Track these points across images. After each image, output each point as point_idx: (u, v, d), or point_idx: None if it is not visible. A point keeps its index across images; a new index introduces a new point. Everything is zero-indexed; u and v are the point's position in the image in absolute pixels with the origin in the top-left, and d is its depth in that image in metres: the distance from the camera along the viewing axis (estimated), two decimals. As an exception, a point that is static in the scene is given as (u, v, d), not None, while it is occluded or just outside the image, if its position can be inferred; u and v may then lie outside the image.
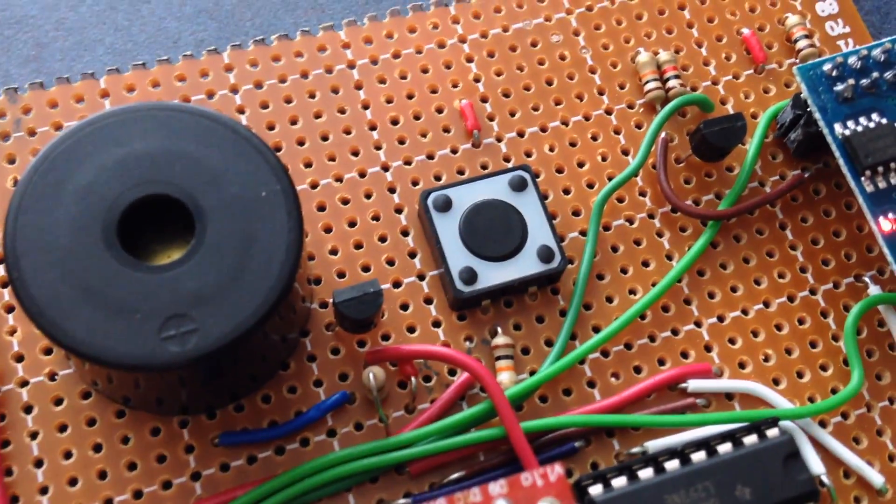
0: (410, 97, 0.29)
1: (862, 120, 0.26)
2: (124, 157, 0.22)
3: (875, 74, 0.27)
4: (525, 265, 0.27)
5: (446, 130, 0.29)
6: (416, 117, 0.29)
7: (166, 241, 0.23)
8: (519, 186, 0.27)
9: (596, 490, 0.23)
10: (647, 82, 0.30)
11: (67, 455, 0.24)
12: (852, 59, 0.27)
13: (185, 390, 0.24)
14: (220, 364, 0.22)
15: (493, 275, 0.26)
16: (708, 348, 0.27)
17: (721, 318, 0.27)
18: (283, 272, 0.22)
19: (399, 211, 0.28)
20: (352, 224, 0.28)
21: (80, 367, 0.24)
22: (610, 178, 0.29)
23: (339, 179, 0.28)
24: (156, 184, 0.22)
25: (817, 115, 0.27)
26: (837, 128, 0.26)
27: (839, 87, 0.27)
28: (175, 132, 0.23)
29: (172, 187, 0.22)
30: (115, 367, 0.21)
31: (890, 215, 0.26)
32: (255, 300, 0.22)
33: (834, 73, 0.27)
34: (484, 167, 0.29)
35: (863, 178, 0.26)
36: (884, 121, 0.26)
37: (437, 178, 0.28)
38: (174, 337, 0.21)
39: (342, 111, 0.29)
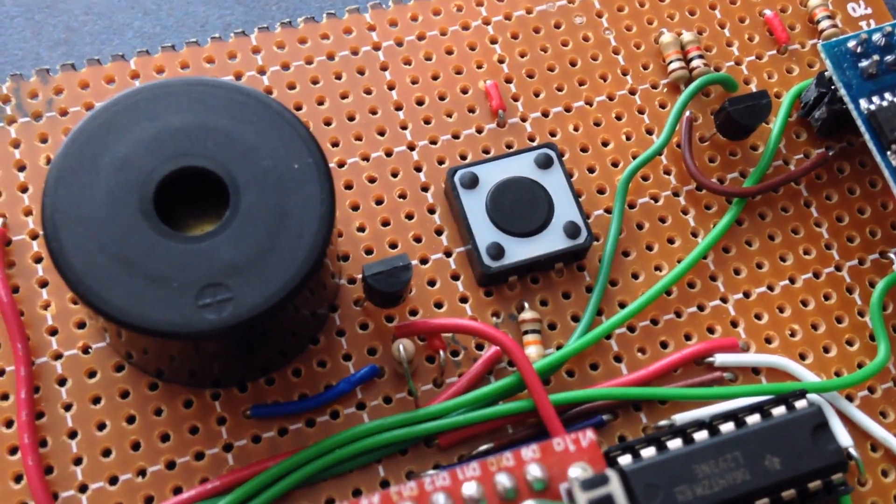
0: (435, 78, 0.30)
1: (887, 95, 0.27)
2: (159, 130, 0.23)
3: (900, 50, 0.27)
4: (552, 241, 0.27)
5: (471, 111, 0.29)
6: (442, 98, 0.29)
7: (198, 215, 0.24)
8: (545, 164, 0.28)
9: (625, 460, 0.23)
10: (671, 62, 0.30)
11: (101, 426, 0.25)
12: (877, 37, 0.27)
13: (217, 363, 0.24)
14: (253, 334, 0.23)
15: (520, 250, 0.27)
16: (734, 324, 0.27)
17: (747, 294, 0.28)
18: (315, 243, 0.22)
19: (426, 189, 0.28)
20: (379, 202, 0.28)
21: (115, 339, 0.24)
22: (634, 157, 0.29)
23: (365, 158, 0.29)
24: (191, 157, 0.23)
25: (842, 92, 0.27)
26: (863, 103, 0.27)
27: (864, 63, 0.27)
28: (208, 106, 0.23)
29: (207, 160, 0.23)
30: (154, 334, 0.21)
31: (916, 188, 0.26)
32: (288, 270, 0.22)
33: (858, 50, 0.27)
34: (509, 146, 0.29)
35: (889, 153, 0.26)
36: (909, 96, 0.27)
37: (463, 157, 0.29)
38: (211, 305, 0.21)
39: (368, 92, 0.29)
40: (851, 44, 0.27)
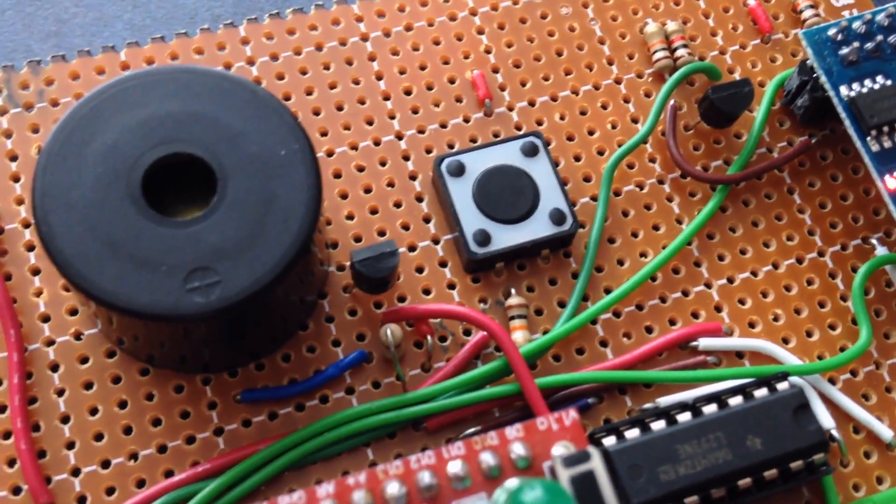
0: (423, 68, 0.30)
1: (867, 82, 0.27)
2: (147, 117, 0.23)
3: (879, 38, 0.27)
4: (538, 228, 0.27)
5: (458, 100, 0.30)
6: (429, 87, 0.30)
7: (189, 201, 0.24)
8: (531, 152, 0.28)
9: (609, 441, 0.23)
10: (656, 52, 0.30)
11: (93, 411, 0.25)
12: (857, 24, 0.27)
13: (207, 348, 0.25)
14: (242, 319, 0.23)
15: (506, 237, 0.27)
16: (718, 309, 0.28)
17: (731, 280, 0.28)
18: (302, 228, 0.23)
19: (413, 178, 0.29)
20: (367, 190, 0.28)
21: (106, 325, 0.24)
22: (620, 146, 0.29)
23: (354, 148, 0.29)
24: (178, 143, 0.23)
25: (823, 78, 0.27)
26: (843, 90, 0.27)
27: (844, 50, 0.27)
28: (195, 94, 0.23)
29: (195, 146, 0.23)
30: (142, 317, 0.21)
31: (895, 173, 0.26)
32: (275, 254, 0.22)
33: (839, 38, 0.27)
34: (496, 135, 0.29)
35: (868, 138, 0.26)
36: (888, 83, 0.27)
37: (450, 146, 0.29)
38: (198, 288, 0.22)
39: (356, 82, 0.30)
40: (832, 31, 0.27)
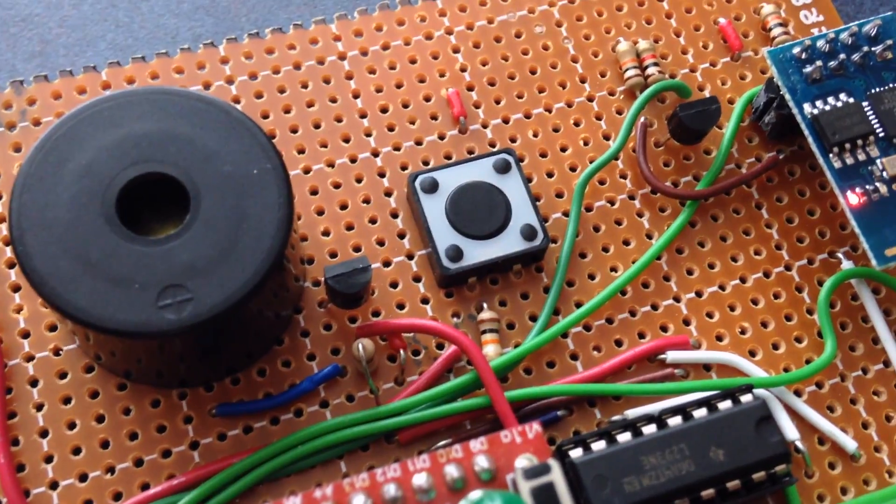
0: (399, 86, 0.31)
1: (830, 100, 0.28)
2: (122, 138, 0.24)
3: (842, 56, 0.28)
4: (509, 243, 0.28)
5: (434, 118, 0.30)
6: (405, 105, 0.30)
7: (164, 219, 0.24)
8: (503, 169, 0.29)
9: (576, 453, 0.24)
10: (627, 70, 0.31)
11: (71, 426, 0.26)
12: (821, 43, 0.28)
13: (183, 363, 0.25)
14: (215, 334, 0.23)
15: (478, 252, 0.27)
16: (686, 322, 0.28)
17: (699, 294, 0.29)
18: (273, 246, 0.23)
19: (388, 194, 0.29)
20: (343, 207, 0.29)
21: (84, 341, 0.25)
22: (592, 162, 0.30)
23: (330, 165, 0.29)
24: (152, 163, 0.23)
25: (787, 96, 0.28)
26: (807, 107, 0.28)
27: (808, 68, 0.28)
28: (170, 114, 0.24)
29: (168, 166, 0.23)
30: (114, 333, 0.22)
31: (857, 189, 0.27)
32: (247, 272, 0.23)
33: (803, 56, 0.28)
34: (470, 152, 0.30)
35: (831, 155, 0.27)
36: (851, 100, 0.27)
37: (426, 163, 0.30)
38: (170, 305, 0.22)
39: (333, 100, 0.30)
40: (796, 50, 0.28)
